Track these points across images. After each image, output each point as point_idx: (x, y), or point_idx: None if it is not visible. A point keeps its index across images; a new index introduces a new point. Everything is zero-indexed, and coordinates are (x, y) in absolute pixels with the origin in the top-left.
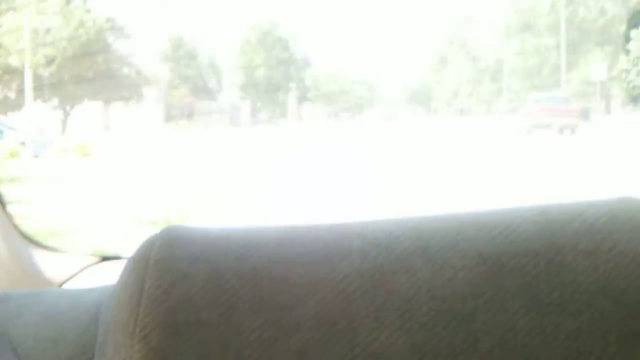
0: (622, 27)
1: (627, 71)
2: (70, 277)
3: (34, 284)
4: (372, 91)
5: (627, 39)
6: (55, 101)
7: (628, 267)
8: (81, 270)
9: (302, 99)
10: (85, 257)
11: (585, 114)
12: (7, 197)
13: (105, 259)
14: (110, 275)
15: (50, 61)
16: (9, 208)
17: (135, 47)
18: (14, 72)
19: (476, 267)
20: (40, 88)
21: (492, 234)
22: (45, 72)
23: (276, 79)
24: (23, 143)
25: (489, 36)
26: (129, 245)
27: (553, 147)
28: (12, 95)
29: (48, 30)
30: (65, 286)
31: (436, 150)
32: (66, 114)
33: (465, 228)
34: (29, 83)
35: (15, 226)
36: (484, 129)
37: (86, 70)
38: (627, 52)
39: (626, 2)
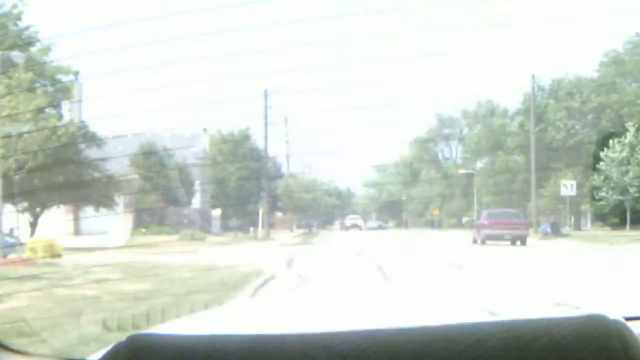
0: (591, 147)
1: (599, 189)
2: None
3: None
4: (343, 202)
5: (597, 159)
6: (24, 204)
7: None
8: None
9: (273, 208)
10: (49, 359)
11: (555, 229)
12: None
13: None
14: None
15: (21, 167)
16: None
17: (107, 154)
18: None
19: None
20: (10, 192)
21: (460, 348)
22: (16, 177)
23: (247, 189)
24: None
25: (460, 152)
26: (95, 349)
27: (505, 256)
28: None
29: (20, 136)
30: None
31: (399, 260)
32: (36, 217)
33: (433, 342)
34: None
35: None
36: (447, 239)
37: (56, 176)
38: (598, 171)
39: (596, 124)
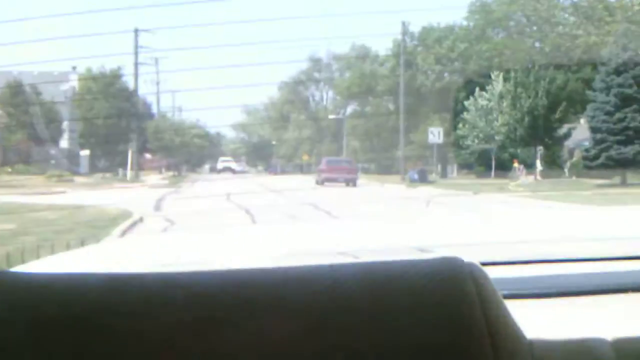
0: (459, 95)
1: (464, 137)
2: None
3: None
4: (213, 145)
5: (463, 108)
6: None
7: (447, 326)
8: None
9: (142, 149)
10: None
11: (422, 176)
12: None
13: None
14: None
15: None
16: None
17: None
18: None
19: (299, 320)
20: None
21: (317, 289)
22: None
23: (117, 129)
24: None
25: (331, 97)
26: None
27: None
28: None
29: None
30: None
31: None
32: None
33: (290, 283)
34: None
35: None
36: (297, 180)
37: None
38: (463, 120)
39: (463, 71)
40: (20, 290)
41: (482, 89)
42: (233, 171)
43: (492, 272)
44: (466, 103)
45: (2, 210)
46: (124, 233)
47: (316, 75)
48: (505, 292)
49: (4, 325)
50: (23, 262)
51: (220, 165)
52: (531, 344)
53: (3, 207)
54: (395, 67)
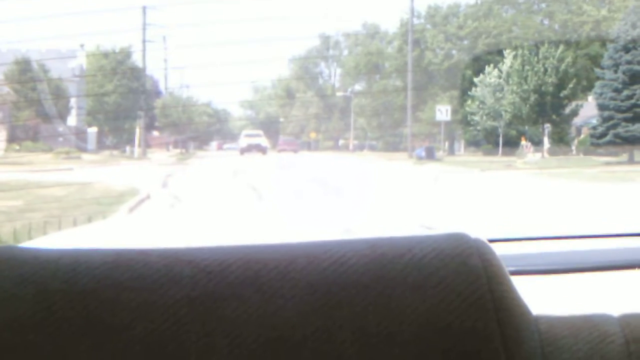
0: (467, 72)
1: (473, 114)
2: None
3: None
4: (221, 122)
5: (473, 84)
6: None
7: (454, 302)
8: None
9: (150, 127)
10: None
11: (429, 153)
12: None
13: None
14: None
15: None
16: None
17: None
18: None
19: (306, 297)
20: None
21: (323, 265)
22: None
23: (124, 106)
24: None
25: (339, 75)
26: None
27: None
28: None
29: None
30: None
31: None
32: None
33: (296, 259)
34: None
35: None
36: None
37: None
38: (472, 97)
39: (472, 49)
40: (27, 265)
41: (492, 65)
42: (263, 151)
43: (499, 249)
44: (475, 80)
45: (9, 187)
46: (131, 210)
47: (325, 52)
48: (512, 268)
49: (12, 300)
50: (30, 238)
51: (243, 142)
52: (537, 319)
53: (10, 184)
54: (403, 46)
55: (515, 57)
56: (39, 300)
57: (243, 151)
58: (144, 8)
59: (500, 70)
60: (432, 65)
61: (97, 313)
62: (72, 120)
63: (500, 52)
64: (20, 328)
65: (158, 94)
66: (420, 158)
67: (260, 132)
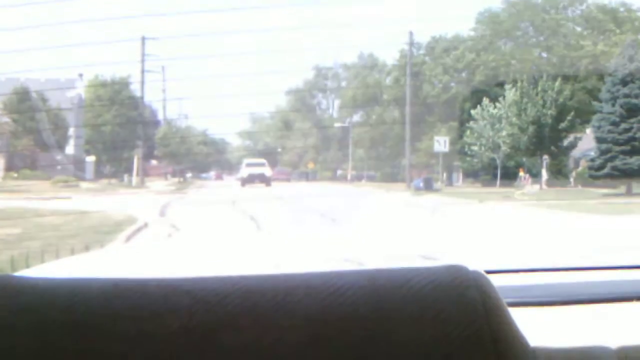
0: (466, 104)
1: (471, 145)
2: None
3: None
4: (218, 152)
5: (470, 116)
6: None
7: (452, 334)
8: None
9: (148, 156)
10: None
11: (427, 184)
12: None
13: None
14: None
15: None
16: None
17: None
18: None
19: (304, 328)
20: None
21: (321, 296)
22: None
23: (123, 135)
24: None
25: (336, 105)
26: None
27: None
28: None
29: None
30: None
31: None
32: None
33: (294, 290)
34: None
35: None
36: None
37: None
38: (471, 128)
39: (470, 81)
40: (24, 295)
41: (490, 98)
42: (267, 182)
43: (497, 280)
44: (473, 112)
45: (7, 215)
46: (128, 238)
47: (323, 84)
48: (510, 300)
49: (8, 330)
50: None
51: (244, 172)
52: (535, 351)
53: (8, 212)
54: (400, 77)
55: (514, 89)
56: (35, 330)
57: (244, 182)
58: (143, 39)
59: (499, 103)
60: (430, 97)
61: (94, 343)
62: (70, 149)
63: (498, 85)
64: (16, 358)
65: (156, 123)
66: (418, 189)
67: (264, 160)
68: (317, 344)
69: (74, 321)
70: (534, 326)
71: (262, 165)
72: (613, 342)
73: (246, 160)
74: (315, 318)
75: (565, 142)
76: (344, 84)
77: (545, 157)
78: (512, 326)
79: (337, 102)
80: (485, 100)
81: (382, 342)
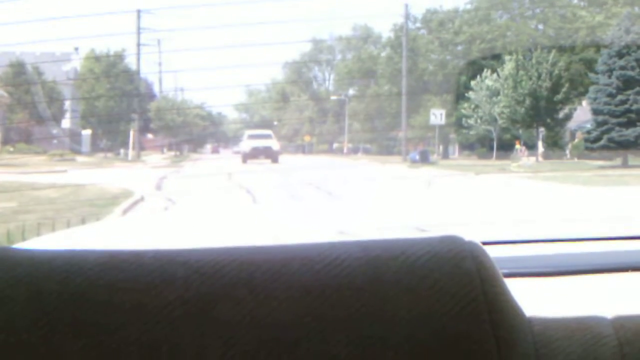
0: (462, 77)
1: (467, 117)
2: None
3: None
4: (215, 125)
5: (468, 87)
6: None
7: (447, 304)
8: None
9: (144, 129)
10: None
11: (423, 157)
12: None
13: None
14: None
15: None
16: None
17: None
18: None
19: (300, 299)
20: None
21: (317, 267)
22: None
23: (119, 109)
24: None
25: (333, 78)
26: None
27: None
28: None
29: None
30: None
31: None
32: None
33: (290, 261)
34: None
35: None
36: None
37: None
38: (468, 99)
39: (466, 55)
40: (20, 266)
41: (487, 70)
42: (274, 157)
43: (493, 251)
44: (472, 82)
45: (3, 189)
46: (125, 212)
47: (318, 57)
48: (506, 270)
49: (5, 301)
50: (24, 239)
51: (246, 146)
52: (531, 321)
53: (4, 186)
54: (396, 50)
55: (510, 61)
56: (32, 301)
57: (246, 157)
58: (139, 12)
59: (498, 75)
60: (426, 71)
61: (90, 314)
62: (66, 122)
63: (494, 57)
64: (13, 329)
65: (152, 97)
66: (414, 161)
67: (269, 132)
68: (313, 315)
69: (70, 292)
70: (529, 297)
71: (267, 137)
72: (609, 312)
73: (248, 132)
74: (311, 289)
75: (561, 114)
76: (339, 56)
77: (542, 129)
78: (508, 296)
79: (333, 75)
80: (487, 72)
81: (378, 313)
